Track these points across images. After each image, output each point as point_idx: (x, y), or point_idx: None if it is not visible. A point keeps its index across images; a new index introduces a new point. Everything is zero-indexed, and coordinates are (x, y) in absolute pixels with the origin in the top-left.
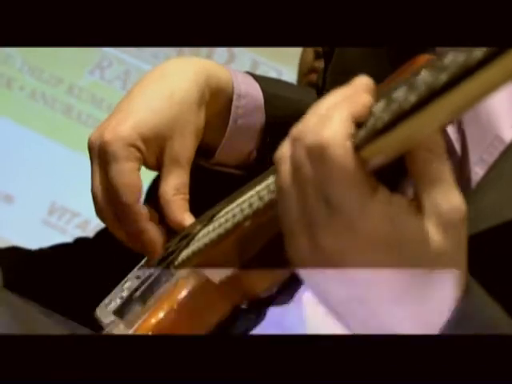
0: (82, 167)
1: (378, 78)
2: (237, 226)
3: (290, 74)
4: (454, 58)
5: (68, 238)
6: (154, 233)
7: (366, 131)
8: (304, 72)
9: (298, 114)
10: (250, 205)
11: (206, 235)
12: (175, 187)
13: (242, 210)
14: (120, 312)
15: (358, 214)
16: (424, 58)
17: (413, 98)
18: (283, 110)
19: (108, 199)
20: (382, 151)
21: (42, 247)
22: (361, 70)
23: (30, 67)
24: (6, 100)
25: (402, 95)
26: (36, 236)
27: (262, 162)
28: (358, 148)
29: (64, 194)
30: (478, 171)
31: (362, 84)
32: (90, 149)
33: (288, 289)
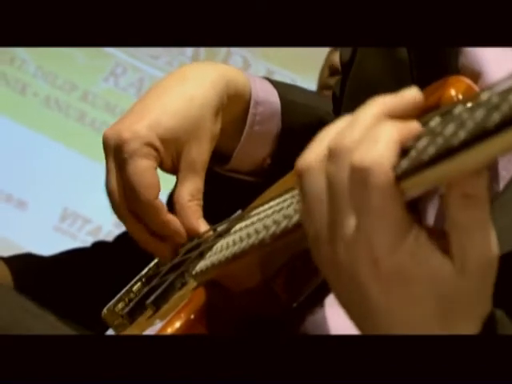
0: (95, 174)
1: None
2: (261, 242)
3: (304, 83)
4: (505, 95)
5: (79, 245)
6: (176, 223)
7: (408, 163)
8: (320, 88)
9: (314, 121)
10: (276, 222)
11: (226, 248)
12: (190, 193)
13: (266, 228)
14: (130, 315)
15: (385, 251)
16: (455, 80)
17: (462, 135)
18: (300, 117)
19: (125, 197)
20: (422, 185)
21: (58, 252)
22: (381, 82)
23: (44, 73)
24: (19, 106)
25: (449, 130)
26: (47, 242)
27: (276, 169)
28: (398, 179)
29: (76, 201)
30: (495, 187)
31: (412, 101)
32: (106, 146)
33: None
